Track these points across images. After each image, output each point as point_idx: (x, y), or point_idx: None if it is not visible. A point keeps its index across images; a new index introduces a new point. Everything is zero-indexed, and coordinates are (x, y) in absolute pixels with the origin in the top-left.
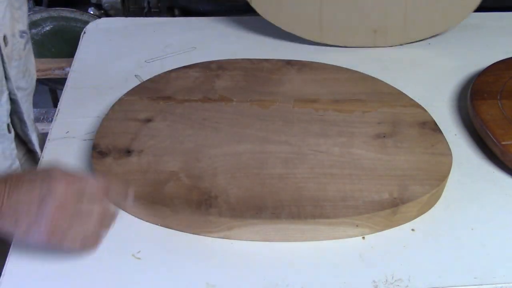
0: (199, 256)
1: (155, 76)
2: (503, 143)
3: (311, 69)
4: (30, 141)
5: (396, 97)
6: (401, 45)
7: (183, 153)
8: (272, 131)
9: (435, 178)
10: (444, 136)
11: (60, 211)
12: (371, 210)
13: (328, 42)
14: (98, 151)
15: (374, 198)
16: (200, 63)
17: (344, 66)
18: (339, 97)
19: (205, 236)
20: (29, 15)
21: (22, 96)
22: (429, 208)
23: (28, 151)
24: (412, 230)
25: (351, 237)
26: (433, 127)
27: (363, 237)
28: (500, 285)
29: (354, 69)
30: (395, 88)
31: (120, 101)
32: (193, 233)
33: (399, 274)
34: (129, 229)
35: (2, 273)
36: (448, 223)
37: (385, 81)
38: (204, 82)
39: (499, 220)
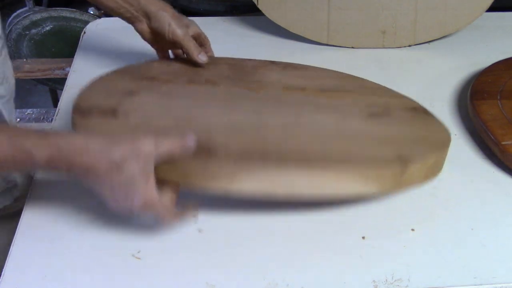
0: (199, 256)
1: (136, 63)
2: (503, 143)
3: (295, 68)
4: None
5: (385, 90)
6: (410, 46)
7: (173, 118)
8: (265, 108)
9: (438, 145)
10: (437, 119)
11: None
12: (379, 166)
13: (336, 44)
14: (80, 111)
15: (382, 156)
16: (183, 57)
17: (343, 65)
18: (326, 88)
19: (204, 188)
20: (29, 15)
21: (2, 103)
22: (434, 176)
23: None
24: (412, 230)
25: (358, 195)
26: (425, 111)
27: (363, 237)
28: (500, 285)
29: (352, 68)
30: (381, 85)
31: (99, 80)
32: (192, 186)
33: (399, 274)
34: (129, 229)
35: (2, 273)
36: (448, 223)
37: (384, 81)
38: (189, 70)
39: (499, 220)
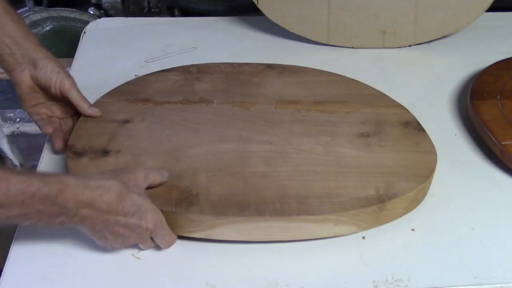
0: (199, 256)
1: (133, 79)
2: (503, 143)
3: (292, 72)
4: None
5: (379, 98)
6: (410, 46)
7: (162, 153)
8: (254, 131)
9: (421, 174)
10: (427, 135)
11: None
12: (357, 206)
13: (336, 44)
14: (73, 151)
15: (360, 194)
16: (180, 66)
17: (343, 65)
18: (321, 98)
19: (186, 235)
20: (29, 15)
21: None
22: (416, 205)
23: None
24: (412, 230)
25: (337, 235)
26: (417, 127)
27: (363, 237)
28: (500, 285)
29: (352, 69)
30: (376, 89)
31: (97, 103)
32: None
33: (399, 274)
34: None
35: (2, 273)
36: (448, 223)
37: (384, 81)
38: (184, 85)
39: (499, 220)
